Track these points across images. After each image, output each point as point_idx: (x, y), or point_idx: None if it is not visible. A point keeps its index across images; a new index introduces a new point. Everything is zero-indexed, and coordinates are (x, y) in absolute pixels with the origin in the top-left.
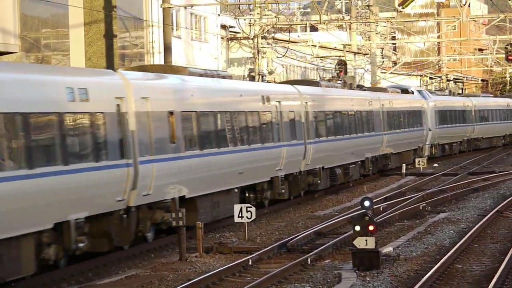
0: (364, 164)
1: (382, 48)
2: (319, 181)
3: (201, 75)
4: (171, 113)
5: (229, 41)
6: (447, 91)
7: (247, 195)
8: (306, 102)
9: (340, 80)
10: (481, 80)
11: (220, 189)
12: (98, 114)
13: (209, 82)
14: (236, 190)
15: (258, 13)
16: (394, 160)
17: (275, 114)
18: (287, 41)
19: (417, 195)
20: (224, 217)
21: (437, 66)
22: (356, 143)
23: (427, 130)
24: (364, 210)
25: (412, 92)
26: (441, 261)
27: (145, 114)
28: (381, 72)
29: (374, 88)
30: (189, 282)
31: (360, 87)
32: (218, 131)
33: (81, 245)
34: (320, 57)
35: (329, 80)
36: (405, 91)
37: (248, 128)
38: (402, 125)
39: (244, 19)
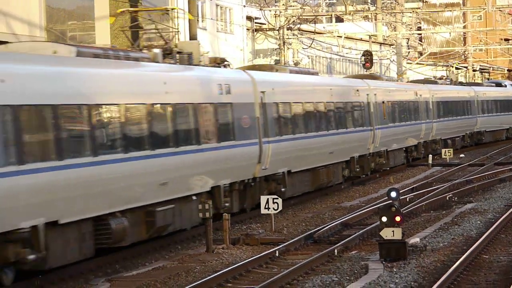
0: (464, 138)
1: (408, 39)
2: (438, 147)
3: (387, 80)
4: (383, 102)
5: (255, 32)
6: None
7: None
8: (433, 95)
9: (448, 79)
10: (507, 70)
11: (398, 147)
12: (361, 102)
13: (396, 84)
14: (404, 149)
15: (283, 4)
16: (487, 136)
17: (419, 103)
18: (312, 32)
19: (443, 186)
20: (398, 164)
21: (463, 56)
22: (460, 123)
23: None
24: (391, 201)
25: (505, 86)
26: (468, 251)
27: (375, 103)
28: (407, 63)
29: (470, 83)
30: (216, 274)
31: (461, 83)
32: (400, 112)
33: (357, 170)
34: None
35: (440, 79)
36: (499, 84)
37: (410, 111)
38: (493, 110)
39: (270, 10)
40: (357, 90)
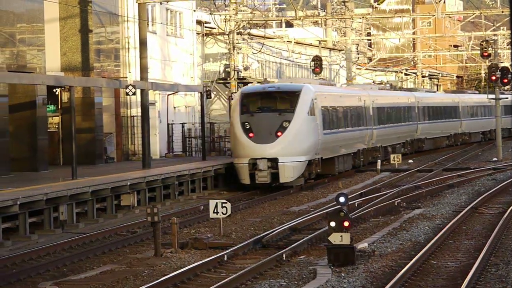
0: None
1: (358, 44)
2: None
3: (469, 93)
4: (464, 106)
5: (205, 37)
6: None
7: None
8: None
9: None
10: (456, 76)
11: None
12: (454, 106)
13: (472, 95)
14: (480, 134)
15: (233, 9)
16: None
17: (491, 107)
18: (262, 37)
19: (392, 191)
20: (474, 141)
21: (412, 62)
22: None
23: None
24: (339, 206)
25: None
26: (416, 257)
27: (463, 106)
28: (357, 68)
29: None
30: (164, 278)
31: None
32: (473, 112)
33: (460, 141)
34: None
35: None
36: None
37: (481, 112)
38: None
39: (220, 15)
40: (457, 103)
